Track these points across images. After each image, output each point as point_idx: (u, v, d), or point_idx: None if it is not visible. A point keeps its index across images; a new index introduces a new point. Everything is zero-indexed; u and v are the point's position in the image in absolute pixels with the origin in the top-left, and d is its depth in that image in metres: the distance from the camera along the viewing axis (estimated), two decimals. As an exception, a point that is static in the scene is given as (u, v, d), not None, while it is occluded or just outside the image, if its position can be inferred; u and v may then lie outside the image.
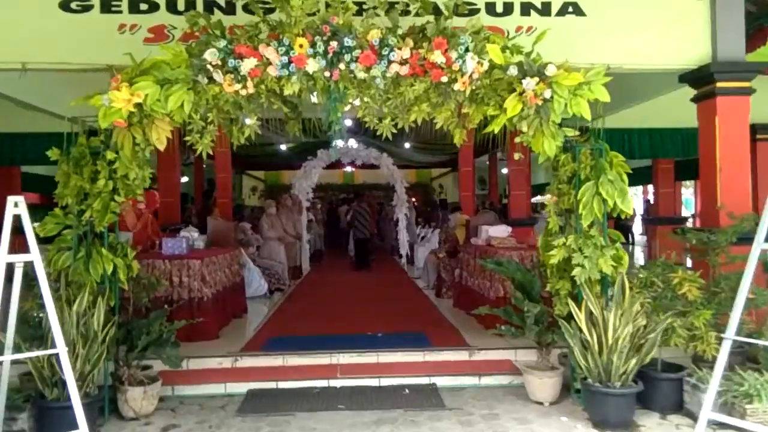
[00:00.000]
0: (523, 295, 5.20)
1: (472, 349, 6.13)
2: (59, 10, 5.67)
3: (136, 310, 5.24)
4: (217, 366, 5.86)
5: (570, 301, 4.78)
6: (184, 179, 21.84)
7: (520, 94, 4.74)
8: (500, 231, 7.71)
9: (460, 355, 6.09)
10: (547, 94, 4.71)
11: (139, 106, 4.62)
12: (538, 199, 15.04)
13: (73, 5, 5.68)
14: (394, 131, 5.72)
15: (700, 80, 6.31)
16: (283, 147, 20.92)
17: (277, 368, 5.86)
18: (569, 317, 4.89)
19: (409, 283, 11.14)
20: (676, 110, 9.25)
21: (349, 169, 26.32)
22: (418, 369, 5.87)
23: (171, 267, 6.62)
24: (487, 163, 23.81)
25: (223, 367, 5.84)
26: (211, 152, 5.25)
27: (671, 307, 4.75)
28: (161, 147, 4.83)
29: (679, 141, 10.12)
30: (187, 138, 4.96)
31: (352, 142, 12.92)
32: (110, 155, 4.81)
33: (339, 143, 12.96)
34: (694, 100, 6.49)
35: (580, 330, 4.63)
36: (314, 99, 5.21)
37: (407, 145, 20.92)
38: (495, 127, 4.97)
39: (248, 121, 5.45)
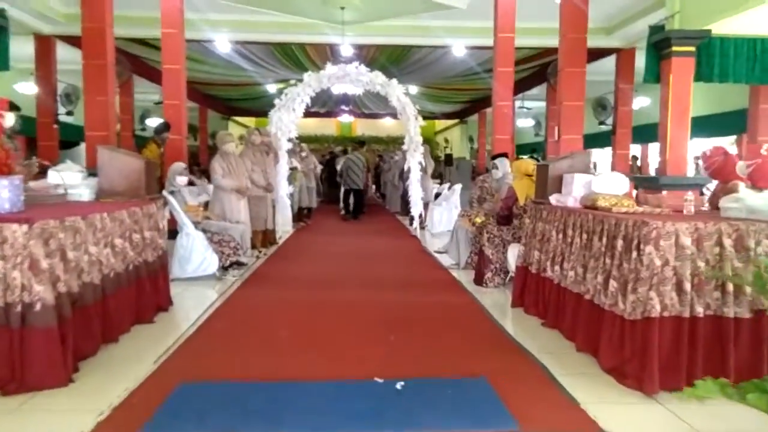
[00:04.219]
0: None
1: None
2: None
3: None
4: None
5: None
6: (154, 120, 18.02)
7: None
8: (613, 183, 4.03)
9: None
10: None
11: None
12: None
13: None
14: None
15: None
16: (272, 88, 17.07)
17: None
18: None
19: (428, 261, 7.35)
20: None
21: (346, 119, 22.48)
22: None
23: (-37, 239, 2.93)
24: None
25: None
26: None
27: None
28: None
29: None
30: None
31: (351, 67, 9.06)
32: None
33: (332, 68, 9.14)
34: None
35: None
36: None
37: (413, 90, 17.03)
38: None
39: None
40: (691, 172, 6.90)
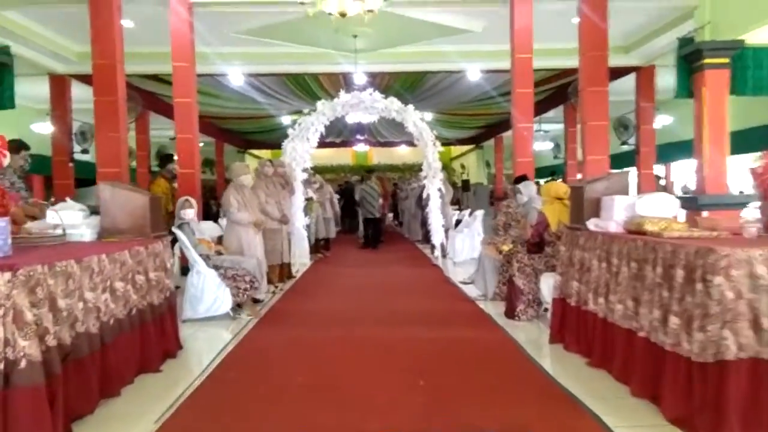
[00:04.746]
0: None
1: None
2: None
3: None
4: None
5: None
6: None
7: None
8: (660, 205, 3.61)
9: None
10: None
11: None
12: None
13: None
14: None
15: None
16: (287, 120, 16.92)
17: None
18: None
19: (453, 292, 6.87)
20: None
21: (361, 148, 22.29)
22: None
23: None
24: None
25: None
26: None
27: None
28: None
29: None
30: None
31: (365, 94, 8.78)
32: None
33: (346, 96, 8.88)
34: None
35: None
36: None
37: (428, 117, 16.76)
38: None
39: None
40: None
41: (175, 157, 7.46)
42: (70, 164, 11.08)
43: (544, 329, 4.81)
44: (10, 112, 13.56)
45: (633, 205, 3.70)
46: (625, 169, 4.87)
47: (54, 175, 11.02)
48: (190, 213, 5.50)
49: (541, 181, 16.52)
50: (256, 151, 21.98)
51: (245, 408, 3.20)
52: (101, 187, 4.11)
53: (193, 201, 5.60)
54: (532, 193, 5.82)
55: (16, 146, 5.79)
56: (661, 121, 13.07)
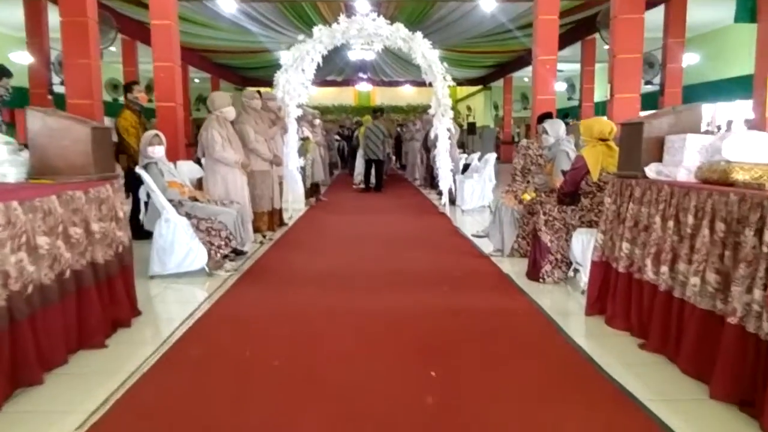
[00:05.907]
0: None
1: None
2: None
3: None
4: None
5: None
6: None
7: None
8: (755, 146, 2.67)
9: None
10: None
11: None
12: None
13: None
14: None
15: None
16: (285, 56, 15.70)
17: None
18: None
19: (465, 246, 5.91)
20: None
21: (364, 87, 21.05)
22: None
23: None
24: (526, 80, 18.42)
25: None
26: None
27: None
28: None
29: None
30: None
31: (368, 20, 7.64)
32: None
33: (345, 22, 7.75)
34: None
35: None
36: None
37: (435, 54, 15.56)
38: None
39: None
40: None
41: (141, 86, 6.44)
42: (49, 96, 10.04)
43: (573, 294, 4.02)
44: (-15, 39, 12.29)
45: (712, 147, 2.77)
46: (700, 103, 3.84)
47: (32, 109, 10.01)
48: (158, 151, 4.57)
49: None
50: (252, 88, 20.79)
51: (201, 403, 2.38)
52: (29, 113, 3.17)
53: (162, 137, 4.66)
54: (560, 133, 4.87)
55: None
56: (687, 59, 11.90)
